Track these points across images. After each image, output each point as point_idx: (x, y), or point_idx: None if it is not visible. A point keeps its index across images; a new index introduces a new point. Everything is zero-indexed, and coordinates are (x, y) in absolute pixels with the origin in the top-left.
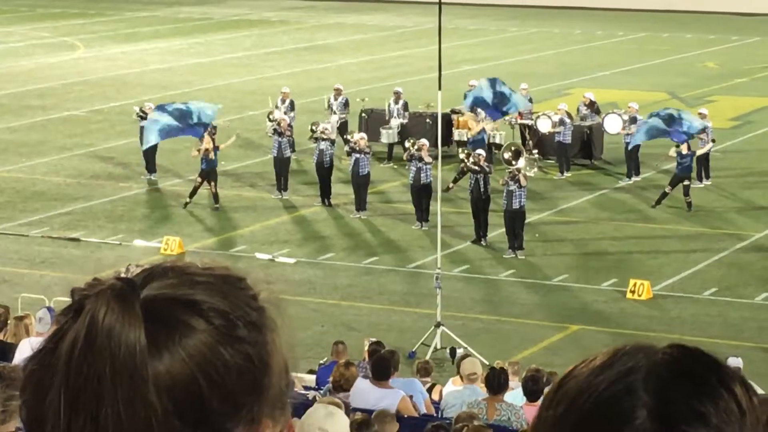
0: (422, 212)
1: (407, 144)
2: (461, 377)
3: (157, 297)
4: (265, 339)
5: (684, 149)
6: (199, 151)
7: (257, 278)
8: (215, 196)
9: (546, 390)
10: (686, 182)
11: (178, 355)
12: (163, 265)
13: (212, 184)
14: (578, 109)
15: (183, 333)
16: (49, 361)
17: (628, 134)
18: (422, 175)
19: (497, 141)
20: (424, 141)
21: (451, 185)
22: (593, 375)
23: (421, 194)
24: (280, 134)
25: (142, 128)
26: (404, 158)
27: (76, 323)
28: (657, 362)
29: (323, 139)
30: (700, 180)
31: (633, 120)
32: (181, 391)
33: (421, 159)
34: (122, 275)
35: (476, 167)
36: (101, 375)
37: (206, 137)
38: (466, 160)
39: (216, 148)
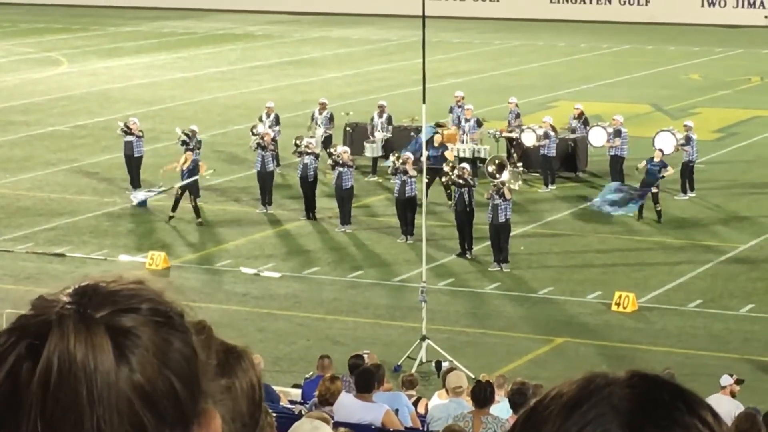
0: (407, 226)
1: (392, 158)
2: (447, 390)
3: (106, 314)
4: (188, 328)
5: (657, 157)
6: (175, 166)
7: (151, 279)
8: (195, 210)
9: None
10: (654, 189)
11: (146, 360)
12: (85, 287)
13: (191, 197)
14: (569, 121)
15: (141, 338)
16: (11, 396)
17: (612, 147)
18: (407, 188)
19: (482, 155)
20: (408, 154)
21: (450, 203)
22: (563, 417)
23: (406, 208)
24: (264, 148)
25: (126, 143)
26: (389, 172)
27: (41, 359)
28: (626, 398)
29: (308, 153)
30: (684, 192)
31: (617, 132)
32: (161, 392)
33: (405, 173)
34: (68, 304)
35: (461, 180)
36: (79, 402)
37: (188, 153)
38: (450, 173)
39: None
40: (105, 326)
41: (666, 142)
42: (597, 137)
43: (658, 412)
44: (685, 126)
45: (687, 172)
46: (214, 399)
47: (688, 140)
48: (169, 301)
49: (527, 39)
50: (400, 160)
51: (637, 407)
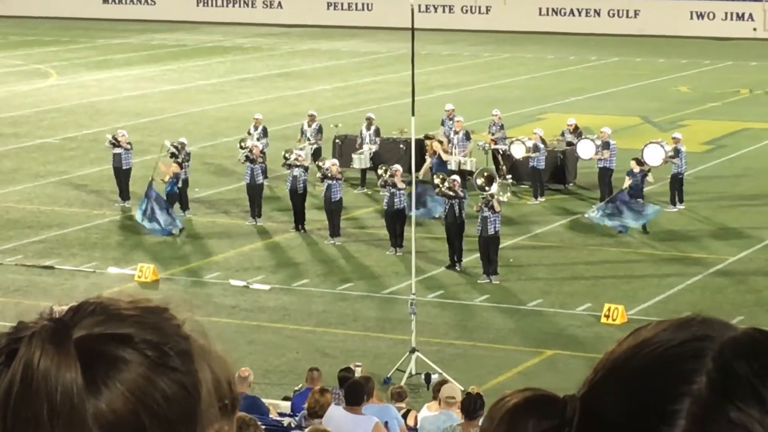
0: (396, 238)
1: (380, 171)
2: (439, 400)
3: (90, 335)
4: (195, 367)
5: (635, 167)
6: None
7: (179, 306)
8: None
9: None
10: (639, 200)
11: (117, 391)
12: (89, 303)
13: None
14: (563, 134)
15: (119, 368)
16: None
17: (600, 159)
18: (396, 200)
19: (469, 167)
20: (397, 167)
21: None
22: (668, 331)
23: (395, 220)
24: (252, 161)
25: (114, 155)
26: (378, 184)
27: (10, 368)
28: (733, 337)
29: (297, 166)
30: (674, 204)
31: (606, 145)
32: (125, 426)
33: (394, 185)
34: (52, 316)
35: (451, 193)
36: (39, 418)
37: (174, 165)
38: (440, 186)
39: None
40: (79, 347)
41: (655, 155)
42: (585, 149)
43: (756, 361)
44: (673, 138)
45: (676, 184)
46: None
47: (676, 152)
48: (181, 336)
49: (516, 51)
50: (388, 173)
51: (739, 348)
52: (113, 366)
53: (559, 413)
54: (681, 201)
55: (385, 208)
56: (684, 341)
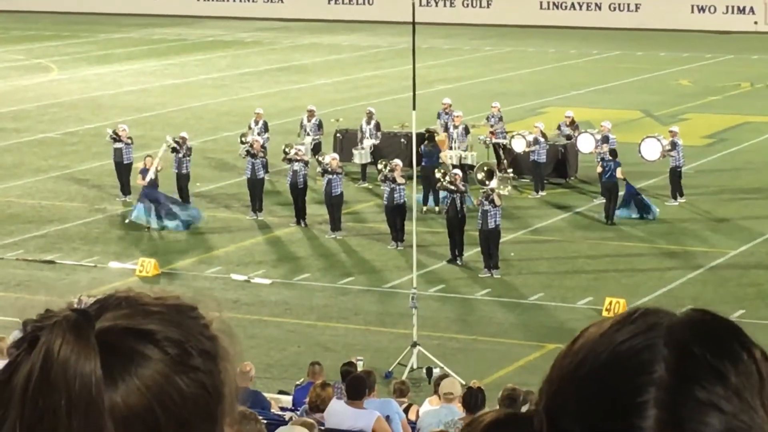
0: (397, 232)
1: (380, 165)
2: (439, 396)
3: (112, 328)
4: (218, 368)
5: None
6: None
7: (208, 306)
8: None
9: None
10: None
11: (133, 385)
12: (116, 296)
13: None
14: (560, 127)
15: (138, 363)
16: (3, 394)
17: (600, 153)
18: (396, 195)
19: (469, 162)
20: (397, 162)
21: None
22: (613, 329)
23: (396, 214)
24: (253, 155)
25: (115, 150)
26: (378, 179)
27: (31, 356)
28: (679, 321)
29: (297, 160)
30: (675, 198)
31: (605, 139)
32: (138, 421)
33: (394, 180)
34: (76, 306)
35: (452, 187)
36: (57, 407)
37: (147, 159)
38: (442, 180)
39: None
40: (101, 339)
41: (652, 149)
42: (585, 143)
43: (709, 340)
44: (670, 132)
45: (675, 177)
46: None
47: (673, 146)
48: (206, 336)
49: (517, 45)
50: (388, 168)
51: (689, 330)
52: (132, 360)
53: (531, 427)
54: (682, 195)
55: (385, 203)
56: (633, 335)
